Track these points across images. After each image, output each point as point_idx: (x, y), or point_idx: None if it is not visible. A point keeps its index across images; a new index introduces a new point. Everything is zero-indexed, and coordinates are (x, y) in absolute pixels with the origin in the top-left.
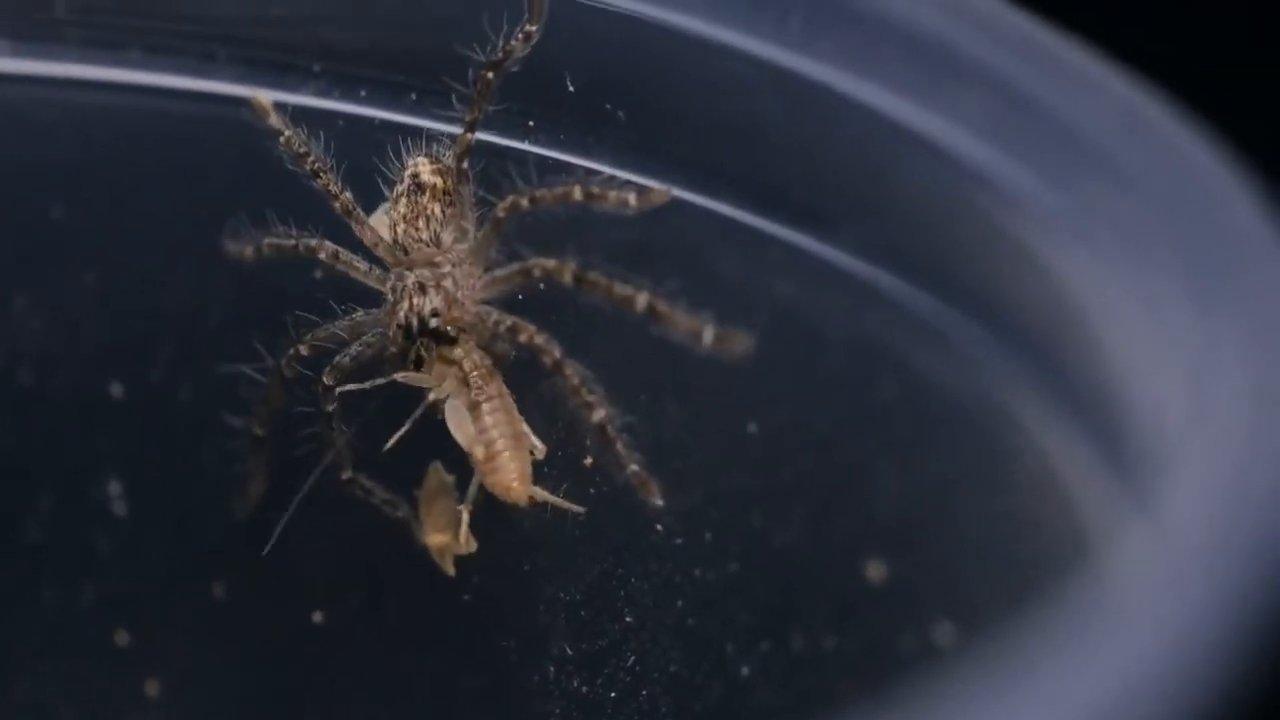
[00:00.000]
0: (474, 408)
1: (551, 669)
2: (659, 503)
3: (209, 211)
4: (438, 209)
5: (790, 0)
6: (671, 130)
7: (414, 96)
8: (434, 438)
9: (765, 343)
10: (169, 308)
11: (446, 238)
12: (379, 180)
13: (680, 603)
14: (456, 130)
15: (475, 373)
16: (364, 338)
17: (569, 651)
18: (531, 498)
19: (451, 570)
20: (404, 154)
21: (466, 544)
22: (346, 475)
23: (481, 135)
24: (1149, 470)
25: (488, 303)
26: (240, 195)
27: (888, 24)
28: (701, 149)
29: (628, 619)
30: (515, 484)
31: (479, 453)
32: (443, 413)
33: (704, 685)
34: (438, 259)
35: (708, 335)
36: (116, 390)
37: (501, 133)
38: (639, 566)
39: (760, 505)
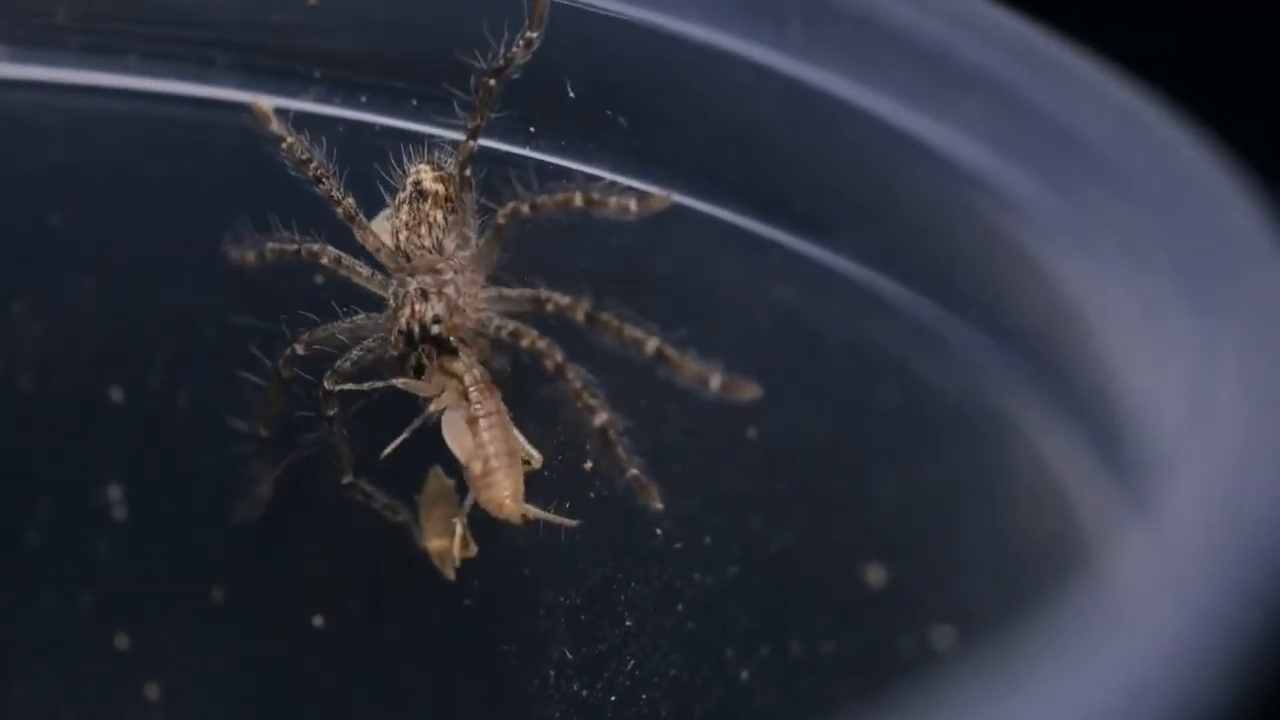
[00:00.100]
0: (471, 422)
1: (551, 673)
2: (659, 507)
3: (209, 217)
4: (440, 216)
5: (790, 6)
6: (672, 136)
7: (414, 102)
8: (434, 443)
9: (765, 348)
10: (169, 312)
11: (449, 245)
12: (380, 186)
13: (680, 607)
14: (456, 135)
15: (474, 387)
16: (365, 343)
17: (569, 655)
18: (524, 515)
19: (452, 574)
20: (405, 160)
21: (465, 549)
22: (347, 480)
23: (483, 141)
24: (1148, 474)
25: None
26: (241, 200)
27: (887, 29)
28: (702, 154)
29: (628, 623)
30: (508, 501)
31: (475, 468)
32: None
33: (704, 689)
34: (440, 265)
35: (715, 381)
36: (116, 394)
37: (502, 139)
38: (639, 571)
39: (760, 510)
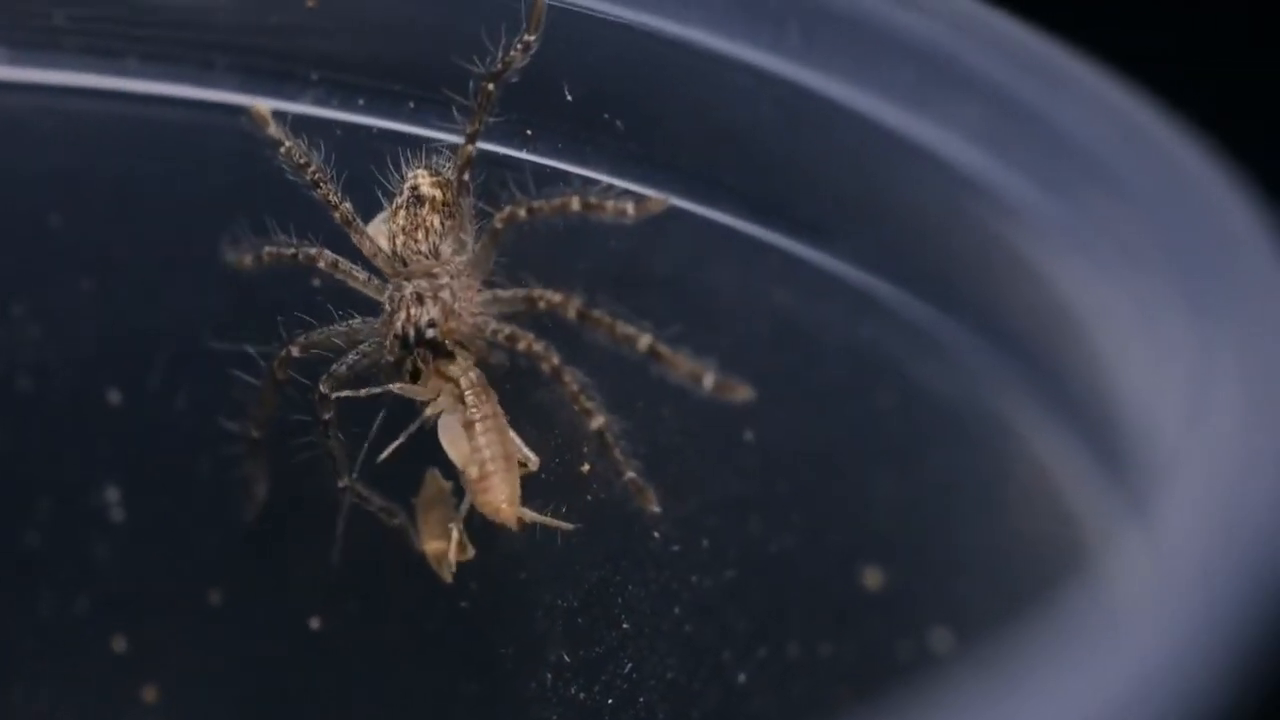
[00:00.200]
0: (468, 426)
1: (549, 676)
2: (656, 510)
3: (207, 219)
4: (437, 221)
5: (788, 10)
6: (669, 139)
7: (412, 105)
8: (431, 445)
9: (762, 351)
10: (167, 315)
11: (445, 249)
12: (377, 189)
13: (677, 609)
14: (454, 138)
15: (470, 391)
16: (360, 347)
17: (566, 658)
18: (520, 519)
19: (449, 577)
20: (402, 163)
21: (462, 552)
22: (343, 483)
23: (480, 145)
24: (1145, 478)
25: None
26: (239, 203)
27: (884, 34)
28: (699, 158)
29: (625, 626)
30: (504, 506)
31: (472, 472)
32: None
33: (701, 692)
34: (436, 270)
35: (708, 380)
36: (114, 397)
37: (500, 142)
38: (636, 573)
39: (757, 512)
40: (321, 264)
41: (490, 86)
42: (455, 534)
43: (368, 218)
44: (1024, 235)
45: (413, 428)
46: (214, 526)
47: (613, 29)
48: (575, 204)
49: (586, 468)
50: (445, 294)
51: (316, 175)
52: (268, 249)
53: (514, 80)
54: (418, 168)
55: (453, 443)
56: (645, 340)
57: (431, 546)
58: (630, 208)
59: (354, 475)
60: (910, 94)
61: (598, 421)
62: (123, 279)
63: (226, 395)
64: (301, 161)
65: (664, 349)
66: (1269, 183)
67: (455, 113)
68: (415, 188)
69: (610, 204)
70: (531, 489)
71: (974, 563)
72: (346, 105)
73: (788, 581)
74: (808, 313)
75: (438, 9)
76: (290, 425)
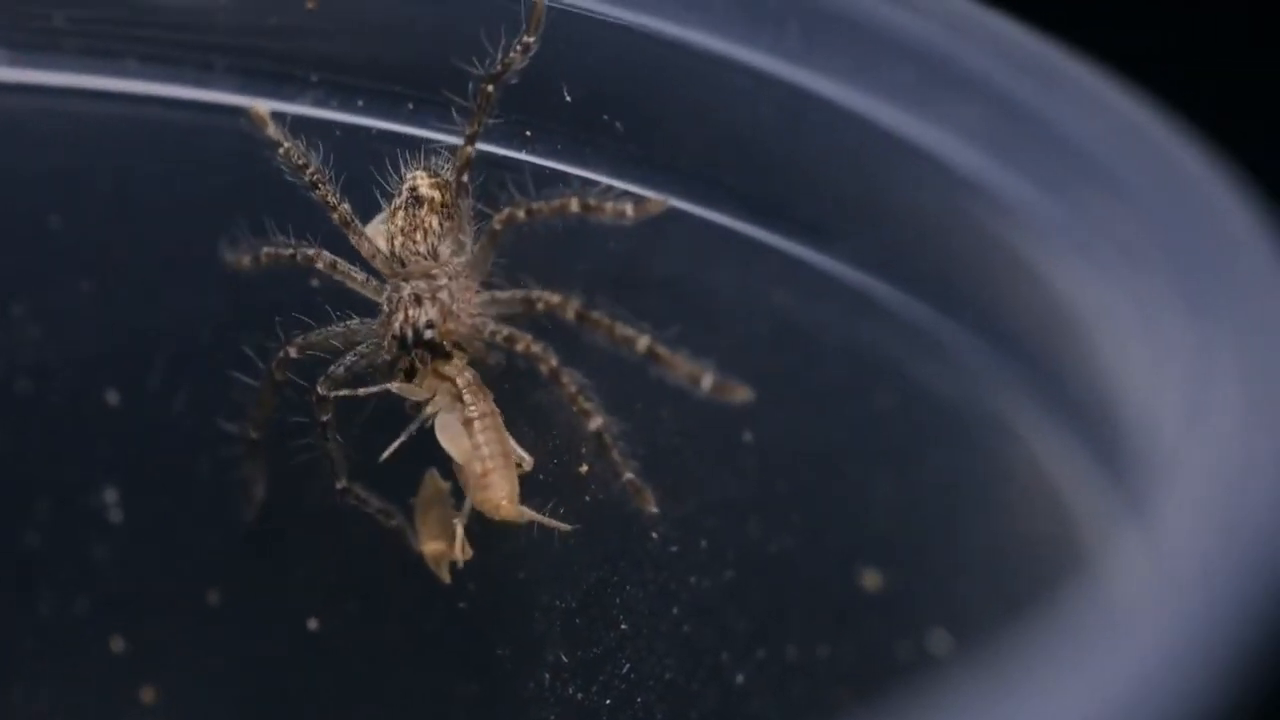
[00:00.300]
0: (466, 424)
1: (547, 676)
2: (655, 510)
3: (206, 220)
4: (435, 222)
5: (787, 11)
6: (669, 140)
7: (411, 106)
8: (429, 445)
9: (762, 352)
10: (166, 316)
11: (444, 251)
12: (375, 190)
13: (676, 610)
14: (453, 140)
15: (467, 390)
16: (358, 348)
17: (564, 659)
18: (520, 516)
19: (447, 578)
20: (401, 164)
21: (462, 552)
22: (341, 485)
23: (479, 146)
24: (1145, 478)
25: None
26: (238, 204)
27: (884, 35)
28: (699, 159)
29: (623, 626)
30: (505, 503)
31: (474, 468)
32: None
33: (699, 693)
34: (434, 271)
35: (707, 381)
36: (113, 398)
37: (499, 143)
38: (634, 574)
39: (756, 513)
40: (320, 265)
41: (489, 88)
42: (459, 532)
43: (366, 219)
44: (1023, 236)
45: (413, 426)
46: (213, 527)
47: (612, 30)
48: (574, 205)
49: (585, 468)
50: (443, 295)
51: (315, 176)
52: (266, 250)
53: (513, 81)
54: (416, 169)
55: (452, 440)
56: (644, 341)
57: (430, 547)
58: (629, 209)
59: (352, 477)
60: (909, 95)
61: (596, 422)
62: (122, 280)
63: (225, 396)
64: (300, 162)
65: (663, 350)
66: (1269, 183)
67: (454, 114)
68: (414, 189)
69: (609, 205)
70: (530, 489)
71: (973, 563)
72: (346, 106)
73: (786, 582)
74: (807, 313)
75: (437, 10)
76: (289, 426)
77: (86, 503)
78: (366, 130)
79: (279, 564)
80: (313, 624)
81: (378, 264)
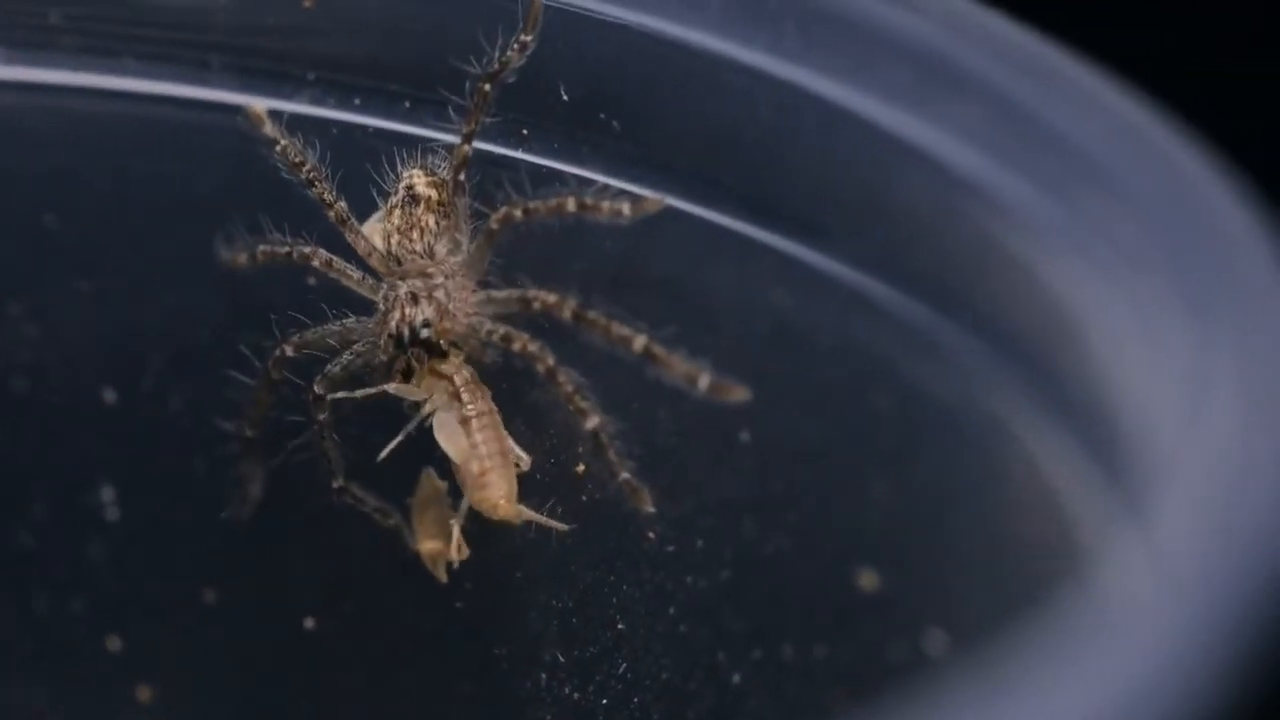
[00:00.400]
0: (464, 422)
1: (543, 676)
2: (651, 510)
3: (203, 219)
4: (432, 221)
5: (785, 11)
6: (665, 139)
7: (408, 104)
8: (426, 445)
9: (758, 351)
10: (162, 315)
11: (440, 249)
12: (372, 189)
13: (672, 610)
14: (450, 138)
15: (464, 388)
16: (355, 347)
17: (561, 658)
18: (518, 515)
19: (444, 577)
20: (398, 162)
21: (459, 551)
22: (338, 484)
23: (476, 145)
24: (1142, 480)
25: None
26: (234, 202)
27: (881, 34)
28: (695, 158)
29: (620, 626)
30: (503, 501)
31: (472, 467)
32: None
33: (696, 693)
34: (431, 270)
35: (703, 381)
36: (109, 396)
37: (496, 142)
38: (631, 574)
39: (752, 513)
40: (316, 263)
41: (486, 86)
42: (456, 532)
43: (363, 217)
44: (1021, 236)
45: (411, 426)
46: (209, 526)
47: (609, 30)
48: (571, 204)
49: (581, 468)
50: (440, 294)
51: (312, 174)
52: (262, 248)
53: (510, 80)
54: (413, 167)
55: (450, 439)
56: (641, 341)
57: (427, 546)
58: (626, 208)
59: (349, 476)
60: (907, 95)
61: (593, 422)
62: (118, 278)
63: (222, 395)
64: (297, 160)
65: (659, 350)
66: (1268, 183)
67: (451, 112)
68: (410, 187)
69: (606, 204)
70: (527, 489)
71: (969, 564)
72: (342, 105)
73: (783, 582)
74: (804, 313)
75: (434, 9)
76: (285, 425)
77: (83, 502)
78: (363, 128)
79: (276, 563)
80: (309, 623)
81: (374, 262)
